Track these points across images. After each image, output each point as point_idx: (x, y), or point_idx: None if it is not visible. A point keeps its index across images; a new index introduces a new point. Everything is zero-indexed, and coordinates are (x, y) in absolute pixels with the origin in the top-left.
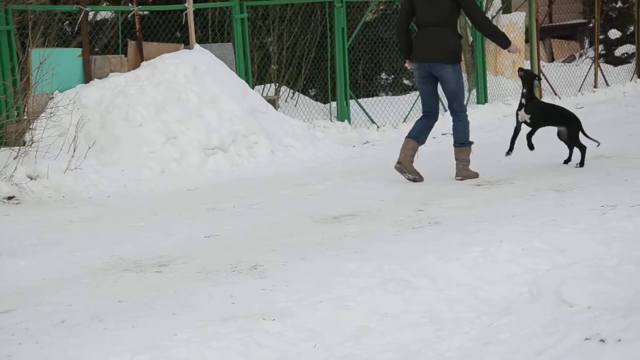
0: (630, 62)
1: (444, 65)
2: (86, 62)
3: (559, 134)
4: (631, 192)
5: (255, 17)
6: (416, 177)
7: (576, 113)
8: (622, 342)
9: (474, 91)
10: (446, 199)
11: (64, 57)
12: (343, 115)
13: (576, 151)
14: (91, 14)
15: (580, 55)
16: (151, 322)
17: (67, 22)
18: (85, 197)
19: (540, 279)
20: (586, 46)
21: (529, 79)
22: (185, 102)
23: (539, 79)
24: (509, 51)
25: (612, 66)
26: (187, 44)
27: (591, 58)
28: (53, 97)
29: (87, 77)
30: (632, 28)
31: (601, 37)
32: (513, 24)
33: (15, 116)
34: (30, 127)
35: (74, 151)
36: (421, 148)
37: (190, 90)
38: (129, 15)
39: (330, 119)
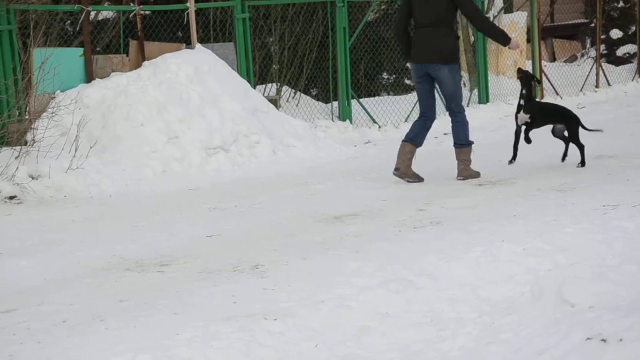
0: (632, 62)
1: (439, 66)
2: (88, 62)
3: (554, 131)
4: (633, 191)
5: (256, 17)
6: (416, 180)
7: (576, 112)
8: (623, 342)
9: (476, 91)
10: (448, 199)
11: (66, 57)
12: (345, 115)
13: (576, 151)
14: (93, 13)
15: (582, 55)
16: (153, 322)
17: (69, 21)
18: (86, 197)
19: (542, 278)
20: (588, 46)
21: (528, 80)
22: (186, 102)
23: (539, 81)
24: (509, 48)
25: (613, 66)
26: (188, 44)
27: (593, 58)
28: (55, 97)
29: (89, 77)
30: (633, 28)
31: (603, 36)
32: (515, 23)
33: (17, 116)
34: (32, 126)
35: (76, 151)
36: (421, 148)
37: (191, 90)
38: (131, 15)
39: (332, 119)
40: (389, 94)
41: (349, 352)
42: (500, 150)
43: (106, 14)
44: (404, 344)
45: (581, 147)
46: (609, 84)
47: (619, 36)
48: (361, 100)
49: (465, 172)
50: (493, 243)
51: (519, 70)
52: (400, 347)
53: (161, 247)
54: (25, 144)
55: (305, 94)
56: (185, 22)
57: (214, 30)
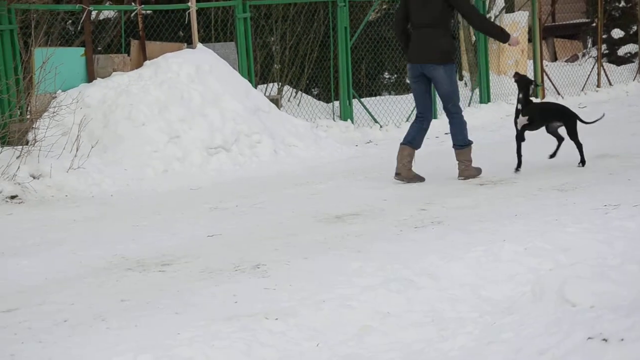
0: (634, 62)
1: (435, 66)
2: (89, 62)
3: (548, 128)
4: (634, 191)
5: (258, 17)
6: (418, 180)
7: (574, 110)
8: (624, 342)
9: (477, 90)
10: (449, 199)
11: (67, 57)
12: (346, 114)
13: (576, 151)
14: (94, 13)
15: (583, 55)
16: (154, 322)
17: (70, 21)
18: (88, 197)
19: (543, 278)
20: (589, 46)
21: (524, 83)
22: (188, 102)
23: (537, 85)
24: (509, 44)
25: (615, 66)
26: (189, 44)
27: (594, 57)
28: (56, 97)
29: (90, 77)
30: (635, 27)
31: (604, 36)
32: (516, 23)
33: (18, 115)
34: (33, 126)
35: (77, 150)
36: (422, 148)
37: (193, 89)
38: (132, 15)
39: (333, 119)
40: (390, 94)
41: (350, 351)
42: (501, 150)
43: (107, 13)
44: (405, 344)
45: (579, 146)
46: (610, 84)
47: (621, 36)
48: (362, 99)
49: (466, 172)
50: (494, 243)
51: (516, 74)
52: (401, 346)
53: (162, 247)
54: (27, 143)
55: (307, 93)
56: (186, 22)
57: (215, 30)
